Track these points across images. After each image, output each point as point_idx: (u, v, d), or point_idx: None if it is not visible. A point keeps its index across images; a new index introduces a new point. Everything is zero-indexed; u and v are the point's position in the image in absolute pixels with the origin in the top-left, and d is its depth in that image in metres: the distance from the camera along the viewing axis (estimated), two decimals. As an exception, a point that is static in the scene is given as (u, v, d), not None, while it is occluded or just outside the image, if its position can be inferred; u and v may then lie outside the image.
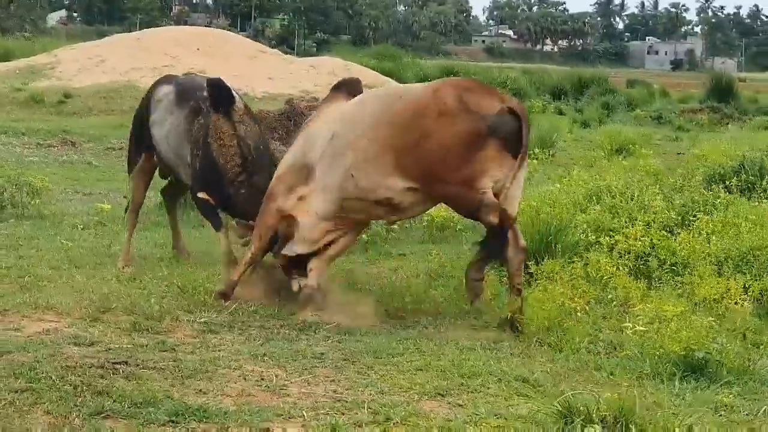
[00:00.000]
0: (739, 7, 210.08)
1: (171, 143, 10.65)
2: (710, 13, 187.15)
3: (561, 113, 35.47)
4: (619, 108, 39.33)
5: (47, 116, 26.09)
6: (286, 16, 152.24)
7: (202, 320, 8.70)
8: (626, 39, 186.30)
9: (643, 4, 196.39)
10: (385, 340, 8.21)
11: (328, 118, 9.43)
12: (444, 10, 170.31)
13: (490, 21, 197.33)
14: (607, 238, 10.80)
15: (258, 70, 29.66)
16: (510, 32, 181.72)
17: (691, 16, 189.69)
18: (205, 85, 10.51)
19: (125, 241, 11.15)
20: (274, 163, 10.12)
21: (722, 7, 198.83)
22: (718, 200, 12.20)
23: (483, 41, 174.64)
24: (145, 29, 43.09)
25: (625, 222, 11.24)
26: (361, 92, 9.83)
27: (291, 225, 9.41)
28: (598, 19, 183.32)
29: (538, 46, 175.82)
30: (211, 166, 10.15)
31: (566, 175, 16.47)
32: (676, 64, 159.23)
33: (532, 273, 9.81)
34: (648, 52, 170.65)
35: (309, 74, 29.97)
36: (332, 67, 30.88)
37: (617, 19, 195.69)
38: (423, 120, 8.69)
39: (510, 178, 8.65)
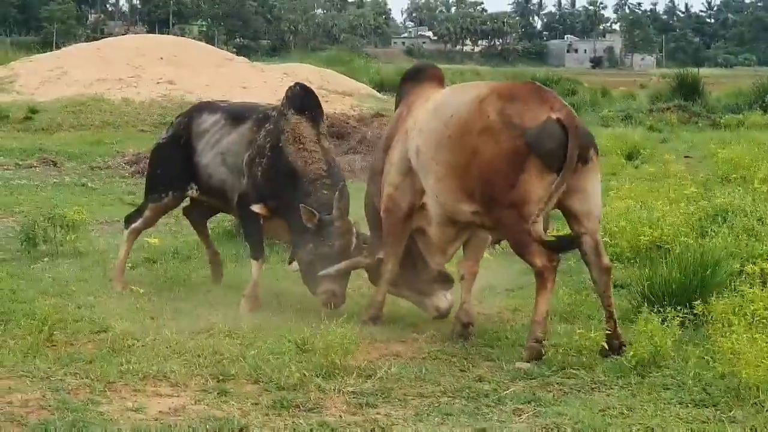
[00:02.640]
0: (655, 4, 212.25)
1: (228, 160, 9.92)
2: (627, 10, 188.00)
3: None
4: (583, 109, 38.30)
5: (14, 133, 24.32)
6: (204, 22, 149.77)
7: (349, 389, 7.22)
8: (545, 38, 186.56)
9: (560, 2, 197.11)
10: (587, 410, 6.79)
11: (413, 122, 8.72)
12: (363, 12, 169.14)
13: (409, 23, 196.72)
14: (753, 266, 9.49)
15: (230, 79, 28.11)
16: (429, 33, 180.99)
17: (609, 13, 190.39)
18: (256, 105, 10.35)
19: (120, 259, 10.59)
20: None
21: (639, 4, 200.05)
22: None
23: (403, 43, 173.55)
24: (105, 39, 41.02)
25: (768, 246, 9.95)
26: (440, 78, 9.26)
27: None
28: (517, 18, 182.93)
29: (458, 47, 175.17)
30: (281, 170, 9.45)
31: (613, 188, 15.21)
32: (596, 62, 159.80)
33: (696, 314, 8.53)
34: (567, 51, 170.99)
35: (284, 83, 28.27)
36: (306, 74, 29.44)
37: (535, 18, 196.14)
38: (469, 137, 8.04)
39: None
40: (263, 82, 28.34)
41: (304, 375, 7.31)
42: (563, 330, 8.85)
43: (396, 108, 9.41)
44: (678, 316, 8.43)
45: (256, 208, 9.55)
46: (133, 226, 10.62)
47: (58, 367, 7.53)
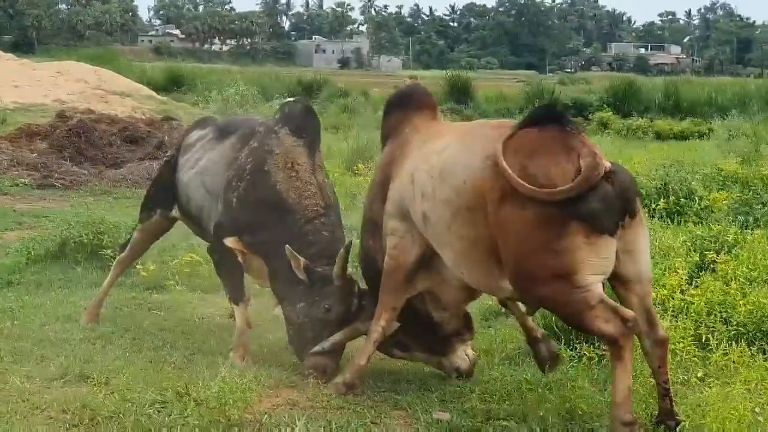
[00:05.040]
0: (400, 7, 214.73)
1: (207, 180, 8.42)
2: (374, 12, 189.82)
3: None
4: (361, 111, 37.83)
5: None
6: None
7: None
8: (293, 38, 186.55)
9: (308, 3, 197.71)
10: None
11: (411, 171, 7.16)
12: (109, 9, 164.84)
13: (156, 20, 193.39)
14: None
15: (-1, 77, 26.11)
16: (177, 31, 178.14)
17: (356, 15, 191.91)
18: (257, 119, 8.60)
19: (101, 291, 9.18)
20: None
21: (385, 6, 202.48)
22: (730, 236, 10.43)
23: (150, 41, 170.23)
24: None
25: (663, 269, 9.30)
26: (431, 106, 7.76)
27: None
28: (265, 18, 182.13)
29: (207, 46, 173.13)
30: (264, 199, 7.88)
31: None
32: (344, 63, 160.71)
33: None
34: (316, 51, 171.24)
35: (58, 81, 26.68)
36: (81, 73, 27.72)
37: (284, 18, 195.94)
38: (491, 206, 6.46)
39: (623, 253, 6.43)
40: (36, 81, 26.46)
41: (208, 437, 6.18)
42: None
43: (382, 143, 7.87)
44: (596, 354, 7.75)
45: (228, 241, 8.03)
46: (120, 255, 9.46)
47: None
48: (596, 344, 7.85)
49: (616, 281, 6.53)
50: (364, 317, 7.63)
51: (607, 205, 6.21)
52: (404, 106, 7.74)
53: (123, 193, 17.48)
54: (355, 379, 7.35)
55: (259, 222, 7.92)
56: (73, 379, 7.33)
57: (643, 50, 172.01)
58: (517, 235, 6.32)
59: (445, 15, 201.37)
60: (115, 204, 16.19)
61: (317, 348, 7.56)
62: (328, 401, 7.19)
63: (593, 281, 6.27)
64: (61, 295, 9.89)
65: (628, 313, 6.30)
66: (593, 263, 6.24)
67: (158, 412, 6.57)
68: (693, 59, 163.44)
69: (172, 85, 40.78)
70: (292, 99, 8.75)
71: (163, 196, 9.10)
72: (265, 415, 6.71)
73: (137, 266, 10.41)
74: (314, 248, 7.72)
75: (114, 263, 9.53)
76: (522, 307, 7.45)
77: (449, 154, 6.89)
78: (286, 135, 8.10)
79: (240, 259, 8.10)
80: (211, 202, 8.40)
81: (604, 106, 37.87)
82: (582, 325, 6.49)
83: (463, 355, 7.66)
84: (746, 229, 11.50)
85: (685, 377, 7.28)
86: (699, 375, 7.31)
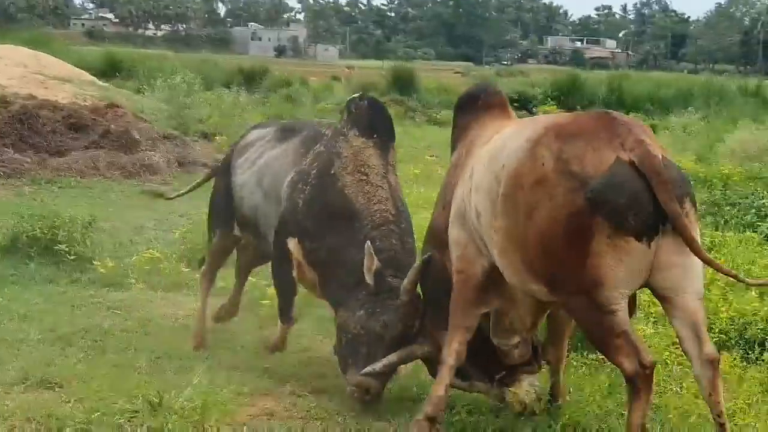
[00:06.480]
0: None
1: (266, 183, 7.91)
2: (311, 1, 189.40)
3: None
4: (302, 100, 37.50)
5: None
6: None
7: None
8: (229, 25, 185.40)
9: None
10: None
11: (471, 171, 6.48)
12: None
13: (89, 4, 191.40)
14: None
15: (-68, 61, 25.29)
16: (111, 15, 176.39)
17: (294, 3, 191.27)
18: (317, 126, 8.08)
19: (199, 311, 8.62)
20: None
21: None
22: (707, 239, 10.25)
23: (83, 24, 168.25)
24: None
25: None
26: (502, 105, 7.05)
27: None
28: (201, 3, 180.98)
29: (141, 30, 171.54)
30: (329, 204, 7.37)
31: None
32: (280, 51, 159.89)
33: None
34: (252, 38, 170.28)
35: (-1, 68, 25.83)
36: (21, 58, 26.85)
37: (219, 4, 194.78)
38: (522, 194, 5.78)
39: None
40: (-27, 65, 25.64)
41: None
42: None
43: (452, 148, 7.15)
44: (584, 363, 7.51)
45: (291, 243, 7.53)
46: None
47: None
48: (583, 353, 7.59)
49: (656, 294, 5.83)
50: (422, 339, 7.03)
51: (635, 203, 5.45)
52: (472, 107, 7.04)
53: (68, 183, 17.03)
54: (437, 412, 6.54)
55: (324, 227, 7.40)
56: (34, 384, 6.99)
57: (579, 44, 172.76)
58: (544, 227, 5.68)
59: (382, 5, 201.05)
60: (60, 194, 15.73)
61: (368, 369, 6.88)
62: (307, 411, 6.90)
63: (619, 297, 5.60)
64: (14, 291, 9.48)
65: (648, 357, 5.69)
66: (621, 277, 5.56)
67: (129, 421, 6.23)
68: (628, 54, 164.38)
69: (109, 70, 39.99)
70: (356, 95, 8.07)
71: (225, 214, 8.57)
72: (244, 426, 6.41)
73: (94, 262, 10.01)
74: (381, 256, 7.10)
75: (199, 277, 9.04)
76: None
77: (500, 141, 6.31)
78: (355, 136, 7.58)
79: (294, 274, 7.64)
80: (268, 204, 7.87)
81: (549, 100, 37.77)
82: (604, 353, 6.01)
83: (530, 387, 6.85)
84: (716, 230, 11.30)
85: (678, 388, 7.02)
86: (685, 385, 7.07)
